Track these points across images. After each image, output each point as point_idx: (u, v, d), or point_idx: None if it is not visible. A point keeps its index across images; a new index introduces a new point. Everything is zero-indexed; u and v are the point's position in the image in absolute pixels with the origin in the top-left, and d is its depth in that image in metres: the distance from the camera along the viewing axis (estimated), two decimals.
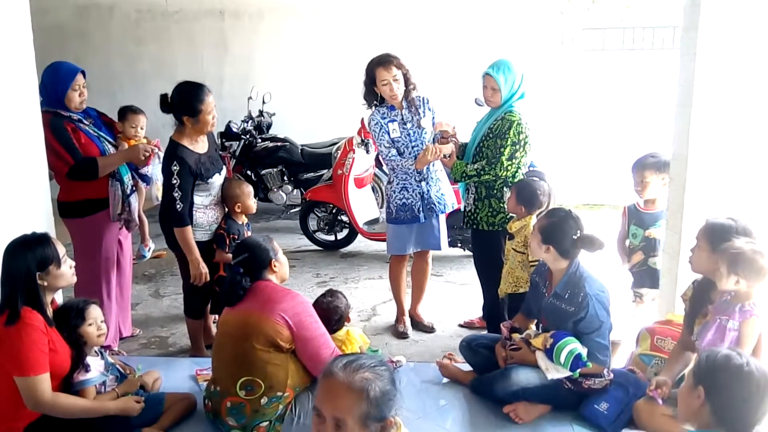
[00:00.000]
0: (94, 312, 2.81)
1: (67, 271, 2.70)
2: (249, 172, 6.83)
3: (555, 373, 2.89)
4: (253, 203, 3.75)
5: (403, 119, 3.89)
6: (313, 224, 6.13)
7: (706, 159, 3.21)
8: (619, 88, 7.31)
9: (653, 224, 3.60)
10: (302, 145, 6.84)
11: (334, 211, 5.97)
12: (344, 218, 5.93)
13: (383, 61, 3.79)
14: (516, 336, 3.18)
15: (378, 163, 6.15)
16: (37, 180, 3.41)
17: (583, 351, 2.86)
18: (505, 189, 3.66)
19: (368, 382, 1.70)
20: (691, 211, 3.23)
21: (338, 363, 1.76)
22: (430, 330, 4.24)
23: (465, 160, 3.77)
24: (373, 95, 3.91)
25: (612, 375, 2.98)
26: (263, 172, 6.76)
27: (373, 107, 3.96)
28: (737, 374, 1.83)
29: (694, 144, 3.21)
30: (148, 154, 3.68)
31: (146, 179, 3.94)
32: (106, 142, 3.69)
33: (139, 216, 4.02)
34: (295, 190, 6.77)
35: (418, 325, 4.28)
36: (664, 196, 3.55)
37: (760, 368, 1.85)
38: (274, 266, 2.93)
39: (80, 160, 3.51)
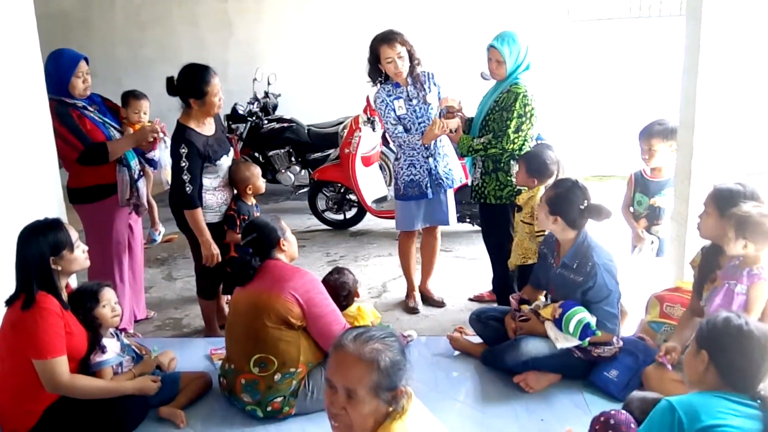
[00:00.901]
0: (108, 294, 2.86)
1: (80, 255, 2.74)
2: (256, 154, 6.82)
3: (564, 342, 2.92)
4: (262, 183, 3.78)
5: (408, 96, 3.88)
6: (321, 204, 6.14)
7: (713, 124, 3.20)
8: (626, 56, 7.20)
9: (658, 193, 3.59)
10: (308, 126, 6.82)
11: (342, 190, 5.98)
12: (352, 197, 5.93)
13: (387, 39, 3.76)
14: (525, 307, 3.20)
15: (385, 141, 6.14)
16: (47, 167, 3.44)
17: (592, 320, 2.88)
18: (512, 162, 3.64)
19: (378, 352, 1.74)
20: (699, 177, 3.23)
21: (348, 335, 1.79)
22: (440, 305, 4.27)
23: (471, 134, 3.76)
24: (377, 73, 3.89)
25: (621, 343, 3.00)
26: (270, 153, 6.75)
27: (378, 85, 3.94)
28: (738, 334, 1.87)
29: (700, 110, 3.20)
30: (155, 135, 3.70)
31: (153, 164, 3.95)
32: (112, 128, 3.70)
33: (148, 201, 4.05)
34: (303, 171, 6.76)
35: (429, 300, 4.30)
36: (670, 164, 3.53)
37: (760, 327, 1.89)
38: (283, 245, 2.97)
39: (89, 145, 3.53)
